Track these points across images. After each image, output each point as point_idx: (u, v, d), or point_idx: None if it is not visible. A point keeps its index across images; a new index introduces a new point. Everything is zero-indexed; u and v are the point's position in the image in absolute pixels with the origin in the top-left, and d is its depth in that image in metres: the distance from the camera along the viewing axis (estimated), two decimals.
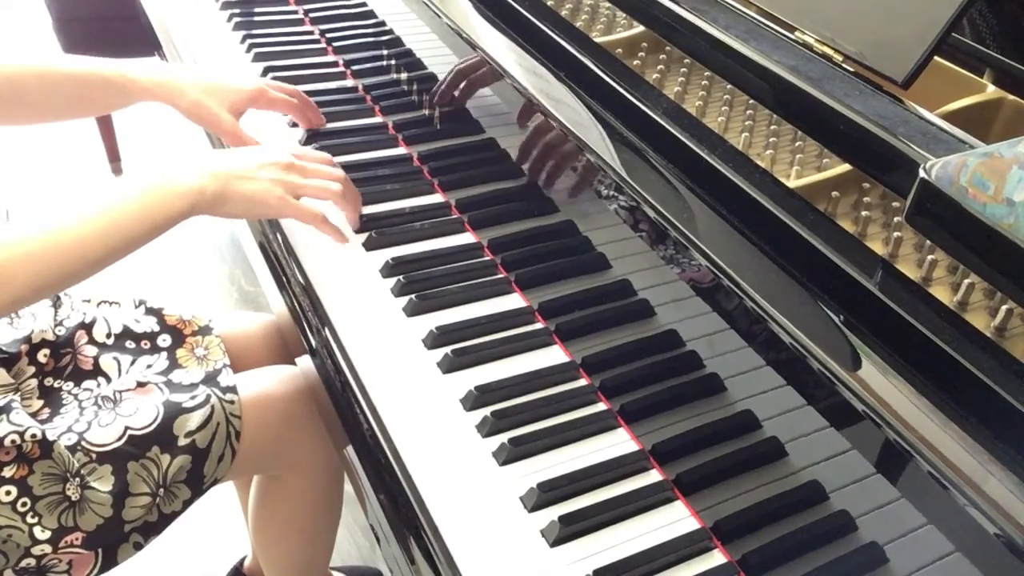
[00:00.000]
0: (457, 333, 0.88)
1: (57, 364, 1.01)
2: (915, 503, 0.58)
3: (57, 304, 1.05)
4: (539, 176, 0.97)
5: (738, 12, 0.89)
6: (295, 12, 1.45)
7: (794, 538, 0.68)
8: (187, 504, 0.96)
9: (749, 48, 0.83)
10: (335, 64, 1.34)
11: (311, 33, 1.41)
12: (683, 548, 0.72)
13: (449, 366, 0.86)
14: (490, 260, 0.98)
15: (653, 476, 0.78)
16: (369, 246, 1.00)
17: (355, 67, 1.31)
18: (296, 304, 0.97)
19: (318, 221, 0.94)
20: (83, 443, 0.90)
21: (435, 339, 0.88)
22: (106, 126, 2.48)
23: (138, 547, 0.93)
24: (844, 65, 0.79)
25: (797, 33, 0.84)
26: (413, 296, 0.92)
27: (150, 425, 0.92)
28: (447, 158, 1.12)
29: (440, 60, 1.11)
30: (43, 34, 2.38)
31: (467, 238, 1.02)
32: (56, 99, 1.02)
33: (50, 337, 1.01)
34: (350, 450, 0.90)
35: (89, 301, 1.08)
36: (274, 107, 1.12)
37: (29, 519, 0.86)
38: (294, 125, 1.19)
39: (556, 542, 0.72)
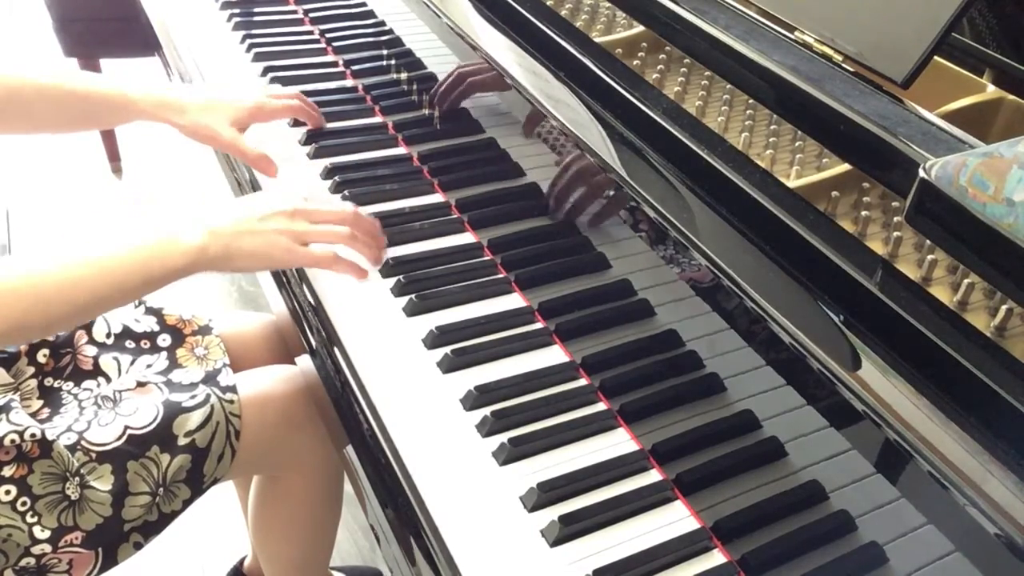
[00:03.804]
0: (457, 333, 0.88)
1: (57, 364, 1.01)
2: (915, 503, 0.58)
3: None
4: (540, 177, 0.97)
5: (738, 12, 0.89)
6: (295, 12, 1.45)
7: (794, 538, 0.68)
8: (187, 504, 0.96)
9: (749, 48, 0.83)
10: (335, 64, 1.34)
11: (311, 33, 1.41)
12: (683, 548, 0.72)
13: (449, 366, 0.86)
14: (490, 260, 0.98)
15: (653, 476, 0.78)
16: None
17: (355, 67, 1.31)
18: (296, 304, 0.97)
19: (330, 263, 0.90)
20: (83, 442, 0.90)
21: (435, 339, 0.88)
22: None
23: (138, 546, 0.93)
24: (844, 65, 0.79)
25: (797, 33, 0.84)
26: (413, 296, 0.92)
27: (150, 424, 0.92)
28: (447, 158, 1.12)
29: (440, 60, 1.11)
30: (43, 35, 2.38)
31: (467, 238, 1.02)
32: (56, 114, 1.02)
33: (49, 337, 1.01)
34: (350, 450, 0.90)
35: None
36: (276, 117, 1.12)
37: (29, 518, 0.86)
38: (294, 125, 1.19)
39: (556, 542, 0.72)
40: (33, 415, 0.93)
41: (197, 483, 0.95)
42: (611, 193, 0.85)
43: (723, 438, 0.74)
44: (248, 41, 1.36)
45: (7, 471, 0.87)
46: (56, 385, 0.99)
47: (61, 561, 0.89)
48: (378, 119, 1.21)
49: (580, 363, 0.87)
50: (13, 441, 0.86)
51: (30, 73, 0.99)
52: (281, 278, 1.02)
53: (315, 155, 1.13)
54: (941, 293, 0.63)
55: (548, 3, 1.02)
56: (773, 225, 0.70)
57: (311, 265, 0.91)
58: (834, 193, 0.73)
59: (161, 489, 0.92)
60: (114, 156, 2.56)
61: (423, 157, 1.13)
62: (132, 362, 1.02)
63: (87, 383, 1.00)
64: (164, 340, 1.05)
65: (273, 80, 1.27)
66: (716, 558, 0.72)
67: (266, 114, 1.09)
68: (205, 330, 1.08)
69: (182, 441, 0.93)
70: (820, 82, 0.77)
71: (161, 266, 0.82)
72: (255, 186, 1.12)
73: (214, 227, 0.85)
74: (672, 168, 0.79)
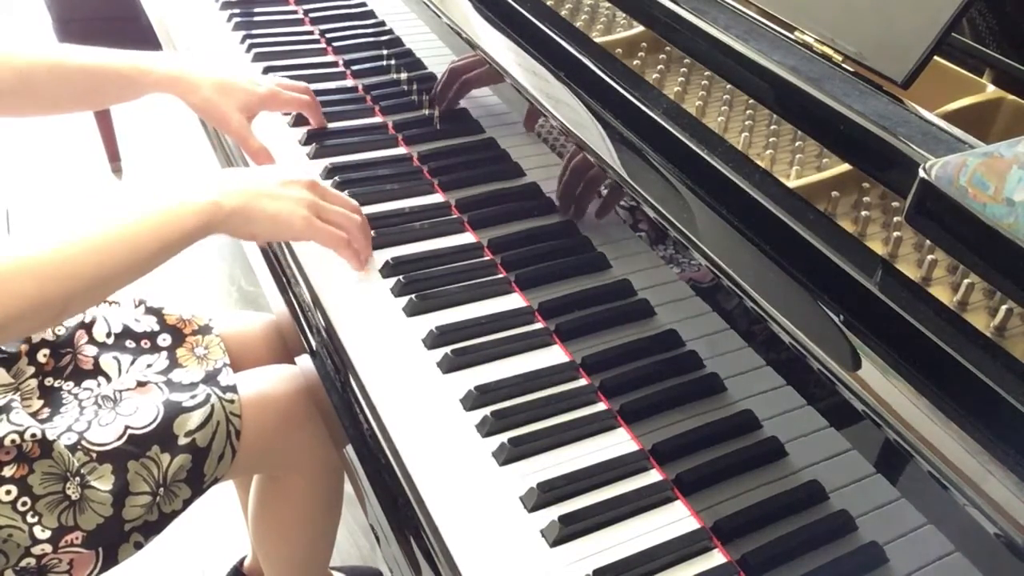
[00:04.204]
0: (457, 333, 0.88)
1: (57, 364, 1.01)
2: (915, 503, 0.58)
3: None
4: (540, 177, 0.97)
5: (738, 12, 0.89)
6: (295, 12, 1.45)
7: (794, 538, 0.68)
8: (187, 503, 0.96)
9: (749, 48, 0.83)
10: (335, 64, 1.34)
11: (311, 33, 1.41)
12: (683, 548, 0.72)
13: (449, 366, 0.86)
14: (490, 260, 0.98)
15: (653, 476, 0.78)
16: None
17: (355, 67, 1.31)
18: (296, 303, 0.97)
19: (343, 245, 0.90)
20: (83, 442, 0.90)
21: (435, 339, 0.88)
22: (106, 126, 2.48)
23: (138, 546, 0.93)
24: (844, 65, 0.79)
25: (797, 33, 0.84)
26: (413, 296, 0.92)
27: (150, 424, 0.92)
28: (447, 158, 1.12)
29: (440, 60, 1.11)
30: (43, 35, 2.38)
31: (467, 238, 1.02)
32: (66, 91, 1.00)
33: (50, 337, 1.01)
34: (350, 450, 0.90)
35: None
36: (286, 108, 1.12)
37: (29, 518, 0.86)
38: (294, 125, 1.19)
39: (556, 542, 0.72)
40: (33, 415, 0.93)
41: (197, 483, 0.95)
42: (611, 193, 0.85)
43: (723, 438, 0.74)
44: (248, 41, 1.36)
45: (7, 471, 0.87)
46: (56, 385, 0.99)
47: (62, 561, 0.89)
48: (378, 119, 1.21)
49: (580, 363, 0.87)
50: (13, 441, 0.86)
51: (38, 51, 0.97)
52: (281, 278, 1.02)
53: (315, 155, 1.13)
54: (941, 293, 0.63)
55: (548, 3, 1.02)
56: (773, 225, 0.70)
57: (325, 241, 0.90)
58: (834, 193, 0.73)
59: (161, 489, 0.92)
60: (114, 156, 2.56)
61: (423, 157, 1.13)
62: (132, 362, 1.02)
63: (87, 383, 1.00)
64: (164, 340, 1.05)
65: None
66: (716, 558, 0.72)
67: (278, 103, 1.09)
68: (205, 330, 1.08)
69: (182, 441, 0.93)
70: (820, 82, 0.77)
71: (172, 229, 0.79)
72: None
73: (228, 187, 0.83)
74: (672, 168, 0.79)
